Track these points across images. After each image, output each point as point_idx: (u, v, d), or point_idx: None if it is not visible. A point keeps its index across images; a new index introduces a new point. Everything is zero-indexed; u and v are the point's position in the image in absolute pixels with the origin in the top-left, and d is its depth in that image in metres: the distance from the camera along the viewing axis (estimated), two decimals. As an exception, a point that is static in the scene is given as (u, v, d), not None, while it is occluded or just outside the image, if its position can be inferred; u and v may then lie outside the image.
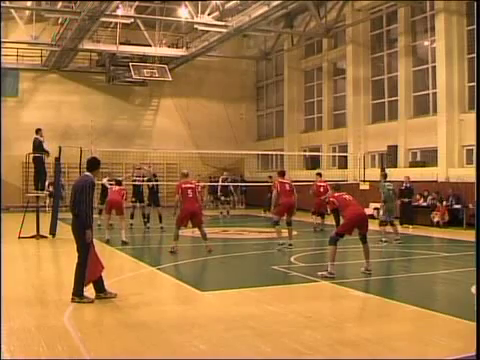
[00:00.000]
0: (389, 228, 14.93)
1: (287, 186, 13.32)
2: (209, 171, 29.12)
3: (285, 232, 13.51)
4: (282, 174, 13.90)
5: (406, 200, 19.15)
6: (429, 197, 20.27)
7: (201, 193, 20.56)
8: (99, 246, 14.41)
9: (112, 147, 25.55)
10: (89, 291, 7.81)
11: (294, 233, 14.13)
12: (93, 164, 8.03)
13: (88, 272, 7.66)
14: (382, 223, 14.85)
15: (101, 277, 7.86)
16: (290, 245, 13.23)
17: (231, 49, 30.79)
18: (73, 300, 7.57)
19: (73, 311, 7.18)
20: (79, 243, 7.78)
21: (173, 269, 10.79)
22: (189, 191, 12.43)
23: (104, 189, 22.13)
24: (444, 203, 19.49)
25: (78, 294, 7.62)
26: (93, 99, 30.50)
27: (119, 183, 15.97)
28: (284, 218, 13.64)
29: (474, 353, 4.59)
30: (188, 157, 27.57)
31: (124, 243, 14.20)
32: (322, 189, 17.46)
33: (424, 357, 5.57)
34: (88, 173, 7.94)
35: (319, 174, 18.80)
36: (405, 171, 21.76)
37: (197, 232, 13.00)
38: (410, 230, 18.47)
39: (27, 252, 13.55)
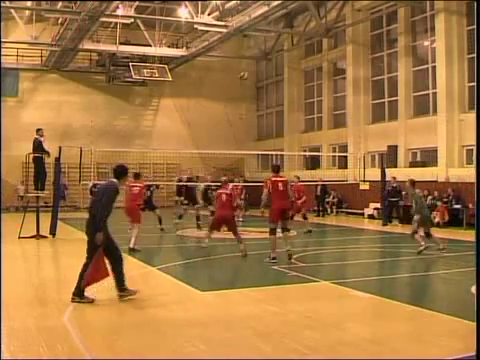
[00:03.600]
0: (421, 234, 12.81)
1: (280, 185, 11.46)
2: (209, 171, 29.10)
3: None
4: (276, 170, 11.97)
5: (393, 200, 19.71)
6: (429, 197, 20.30)
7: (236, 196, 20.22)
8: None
9: (112, 147, 25.55)
10: (89, 291, 7.79)
11: (293, 233, 14.10)
12: (120, 172, 7.97)
13: (90, 275, 7.60)
14: (414, 233, 12.73)
15: (122, 274, 7.80)
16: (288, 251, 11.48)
17: (231, 49, 30.78)
18: (73, 300, 7.56)
19: (73, 311, 7.17)
20: (90, 243, 7.73)
21: (173, 269, 10.78)
22: (223, 196, 12.10)
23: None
24: (440, 203, 19.56)
25: (79, 294, 7.61)
26: (93, 99, 30.51)
27: (138, 176, 14.18)
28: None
29: (474, 353, 4.59)
30: (188, 157, 27.59)
31: (133, 250, 12.81)
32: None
33: (424, 357, 5.57)
34: (114, 180, 7.90)
35: (297, 177, 18.39)
36: (404, 171, 21.85)
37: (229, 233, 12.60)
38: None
39: (27, 252, 13.54)
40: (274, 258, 11.29)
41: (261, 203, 11.59)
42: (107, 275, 7.78)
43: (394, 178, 20.56)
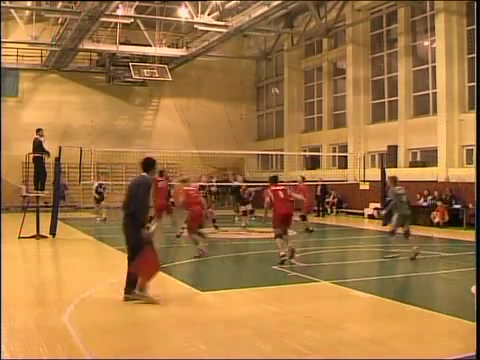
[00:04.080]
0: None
1: (281, 193, 11.71)
2: (209, 171, 29.09)
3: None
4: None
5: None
6: (429, 197, 20.35)
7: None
8: (99, 246, 14.46)
9: (112, 147, 25.58)
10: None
11: (293, 233, 14.11)
12: (148, 165, 7.84)
13: (146, 271, 7.49)
14: (393, 232, 12.38)
15: (136, 277, 7.67)
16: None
17: (231, 49, 30.77)
18: (126, 299, 7.52)
19: (73, 311, 7.17)
20: (130, 242, 7.60)
21: (173, 269, 10.78)
22: (192, 192, 12.42)
23: (99, 192, 22.16)
24: (440, 203, 19.57)
25: (130, 291, 7.56)
26: (93, 99, 30.51)
27: (162, 174, 14.54)
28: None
29: (474, 353, 4.59)
30: (188, 157, 27.60)
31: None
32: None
33: (424, 357, 5.57)
34: (145, 174, 7.77)
35: (302, 177, 18.37)
36: (404, 171, 21.86)
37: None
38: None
39: (27, 252, 13.54)
40: (283, 256, 11.21)
41: (265, 211, 11.82)
42: (159, 267, 7.76)
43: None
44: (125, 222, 7.62)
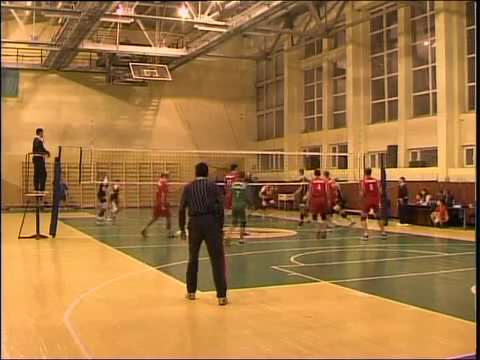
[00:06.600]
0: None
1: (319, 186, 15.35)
2: (210, 171, 29.05)
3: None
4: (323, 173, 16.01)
5: (401, 200, 20.19)
6: (427, 196, 20.36)
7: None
8: (99, 246, 14.46)
9: (112, 147, 25.58)
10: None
11: (294, 233, 14.12)
12: (206, 169, 8.26)
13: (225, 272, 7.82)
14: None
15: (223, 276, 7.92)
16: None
17: (231, 49, 30.78)
18: (225, 302, 7.59)
19: (73, 311, 7.17)
20: (218, 242, 7.86)
21: (173, 269, 10.78)
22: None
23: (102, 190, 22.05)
24: (440, 203, 19.56)
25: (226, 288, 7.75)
26: (93, 99, 30.52)
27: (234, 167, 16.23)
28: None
29: (474, 353, 4.59)
30: (188, 157, 27.57)
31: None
32: (372, 187, 15.94)
33: (424, 357, 5.57)
34: (203, 177, 8.03)
35: (369, 171, 16.54)
36: (404, 171, 21.88)
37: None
38: (410, 230, 18.49)
39: (27, 252, 13.54)
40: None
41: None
42: None
43: (403, 178, 20.66)
44: (212, 223, 7.74)
